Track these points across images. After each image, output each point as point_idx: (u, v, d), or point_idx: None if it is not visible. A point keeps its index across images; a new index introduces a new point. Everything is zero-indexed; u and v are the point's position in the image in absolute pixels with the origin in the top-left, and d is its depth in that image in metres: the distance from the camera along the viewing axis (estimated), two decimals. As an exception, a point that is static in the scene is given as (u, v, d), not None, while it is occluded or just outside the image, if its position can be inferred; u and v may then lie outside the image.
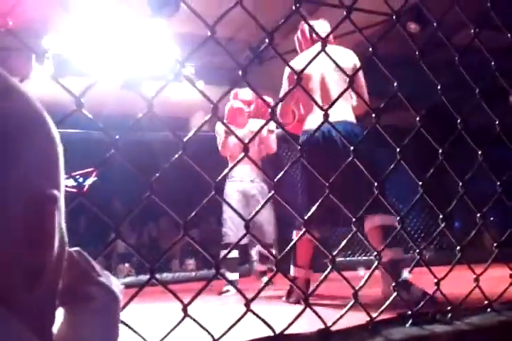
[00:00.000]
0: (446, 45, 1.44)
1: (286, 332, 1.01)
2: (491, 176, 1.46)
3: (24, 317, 0.43)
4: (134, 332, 0.89)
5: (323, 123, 1.08)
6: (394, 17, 1.26)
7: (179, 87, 4.48)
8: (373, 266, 1.15)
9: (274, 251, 4.25)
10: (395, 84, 1.20)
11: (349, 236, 1.11)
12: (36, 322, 0.47)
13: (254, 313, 0.98)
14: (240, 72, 1.00)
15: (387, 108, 1.26)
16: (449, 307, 1.23)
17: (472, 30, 1.40)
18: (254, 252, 4.74)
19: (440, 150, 1.27)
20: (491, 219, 6.05)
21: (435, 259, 4.03)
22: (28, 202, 0.43)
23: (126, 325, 0.86)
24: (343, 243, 1.15)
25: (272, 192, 1.01)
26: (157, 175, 0.94)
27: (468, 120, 1.40)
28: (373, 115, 1.15)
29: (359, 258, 5.42)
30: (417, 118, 1.22)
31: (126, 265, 5.57)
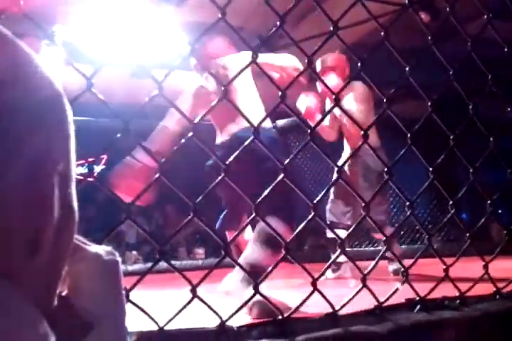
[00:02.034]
0: (456, 38, 1.43)
1: (293, 316, 1.01)
2: (501, 166, 1.45)
3: (27, 289, 0.43)
4: (144, 312, 0.90)
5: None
6: (407, 3, 1.25)
7: (187, 75, 4.48)
8: (380, 253, 1.15)
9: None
10: (407, 69, 1.19)
11: (355, 224, 1.11)
12: (40, 292, 0.47)
13: (262, 296, 0.98)
14: (251, 55, 1.00)
15: (397, 98, 1.25)
16: (457, 294, 1.23)
17: (485, 16, 1.38)
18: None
19: (451, 137, 1.27)
20: (499, 211, 6.03)
21: (442, 250, 4.02)
22: (29, 164, 0.43)
23: (135, 304, 0.87)
24: (350, 230, 1.15)
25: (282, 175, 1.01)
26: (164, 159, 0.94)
27: (480, 110, 1.39)
28: (384, 100, 1.14)
29: (366, 248, 5.42)
30: (429, 104, 1.22)
31: (134, 252, 5.62)
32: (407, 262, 1.25)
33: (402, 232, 5.22)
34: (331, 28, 1.08)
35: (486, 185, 1.43)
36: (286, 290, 2.69)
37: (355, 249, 5.39)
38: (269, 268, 1.05)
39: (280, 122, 5.68)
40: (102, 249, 0.61)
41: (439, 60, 1.32)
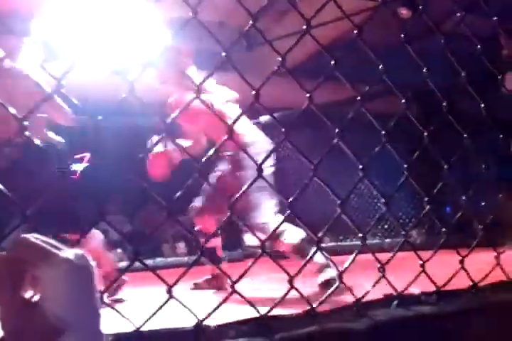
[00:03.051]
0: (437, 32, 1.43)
1: (271, 314, 1.02)
2: (478, 161, 1.47)
3: None
4: (119, 313, 0.90)
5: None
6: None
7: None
8: (356, 250, 1.15)
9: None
10: (380, 67, 1.20)
11: (332, 219, 1.11)
12: None
13: (239, 294, 0.99)
14: (224, 54, 1.00)
15: (375, 94, 1.26)
16: (434, 289, 1.24)
17: (458, 14, 1.39)
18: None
19: (425, 133, 1.28)
20: (482, 204, 6.08)
21: (426, 244, 4.06)
22: None
23: (110, 306, 0.87)
24: (327, 226, 1.16)
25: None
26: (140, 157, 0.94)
27: (458, 107, 1.40)
28: (358, 98, 1.15)
29: (352, 243, 5.45)
30: (402, 101, 1.22)
31: (119, 250, 5.59)
32: (386, 256, 1.26)
33: (386, 226, 5.26)
34: (304, 27, 1.08)
35: (471, 180, 1.45)
36: (268, 284, 2.69)
37: (341, 243, 5.42)
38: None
39: (264, 118, 5.68)
40: (73, 254, 0.61)
41: (422, 54, 1.33)
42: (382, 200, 1.20)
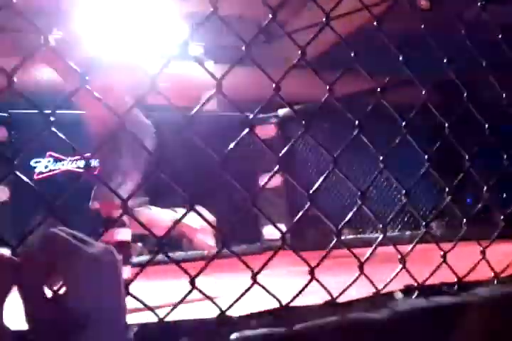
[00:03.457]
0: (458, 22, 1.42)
1: (292, 304, 1.03)
2: (500, 151, 1.46)
3: None
4: (143, 304, 0.92)
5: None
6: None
7: (189, 65, 4.48)
8: (377, 241, 1.16)
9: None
10: (400, 58, 1.19)
11: (353, 210, 1.12)
12: None
13: (260, 285, 1.00)
14: (244, 48, 1.00)
15: (395, 85, 1.26)
16: (455, 279, 1.24)
17: (479, 3, 1.38)
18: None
19: (446, 124, 1.27)
20: (504, 196, 6.01)
21: (446, 236, 4.03)
22: None
23: (135, 297, 0.89)
24: (348, 218, 1.16)
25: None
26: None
27: (480, 97, 1.39)
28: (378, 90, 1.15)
29: (370, 235, 5.43)
30: (423, 92, 1.22)
31: (139, 244, 5.65)
32: (407, 248, 1.27)
33: (406, 218, 5.23)
34: (324, 19, 1.08)
35: (493, 171, 1.44)
36: (288, 278, 2.71)
37: (360, 236, 5.40)
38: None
39: (282, 111, 5.68)
40: (100, 249, 0.62)
41: (445, 45, 1.32)
42: (403, 191, 1.20)
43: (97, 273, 0.60)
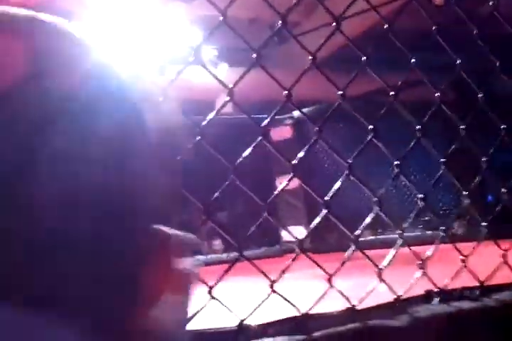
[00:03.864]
0: (474, 17, 1.40)
1: (311, 312, 1.02)
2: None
3: None
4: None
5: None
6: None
7: (201, 69, 4.48)
8: (397, 244, 1.15)
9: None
10: (412, 60, 1.18)
11: (370, 216, 1.11)
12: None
13: (278, 294, 0.99)
14: (255, 55, 1.00)
15: (409, 84, 1.24)
16: (476, 284, 1.22)
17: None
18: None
19: (462, 127, 1.25)
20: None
21: (468, 235, 3.99)
22: None
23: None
24: (366, 221, 1.15)
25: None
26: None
27: (496, 93, 1.37)
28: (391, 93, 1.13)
29: (390, 235, 5.38)
30: (436, 94, 1.20)
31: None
32: (427, 248, 1.25)
33: (427, 218, 5.18)
34: (334, 24, 1.07)
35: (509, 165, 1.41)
36: (306, 281, 2.69)
37: (379, 236, 5.36)
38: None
39: (297, 113, 5.65)
40: (187, 264, 0.57)
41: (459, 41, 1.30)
42: (419, 196, 1.19)
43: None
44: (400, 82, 1.15)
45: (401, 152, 1.24)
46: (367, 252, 1.14)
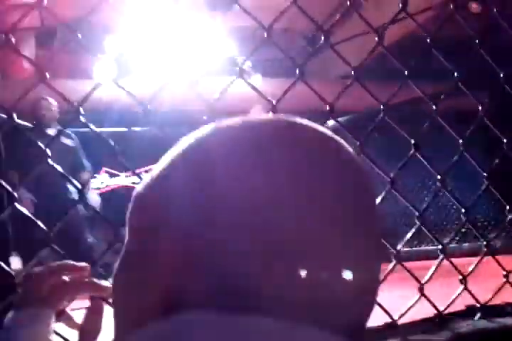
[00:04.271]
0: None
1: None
2: None
3: None
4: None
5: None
6: None
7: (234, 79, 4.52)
8: (439, 259, 1.14)
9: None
10: (455, 74, 1.18)
11: (414, 228, 1.11)
12: None
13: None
14: (297, 71, 1.02)
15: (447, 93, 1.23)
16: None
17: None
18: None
19: (505, 140, 1.24)
20: None
21: (507, 248, 3.91)
22: None
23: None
24: (408, 235, 1.15)
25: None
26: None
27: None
28: (433, 106, 1.13)
29: (427, 247, 5.30)
30: (479, 108, 1.20)
31: None
32: (465, 261, 1.24)
33: (463, 230, 5.08)
34: (376, 39, 1.08)
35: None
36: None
37: (417, 248, 5.27)
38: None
39: (331, 122, 5.63)
40: None
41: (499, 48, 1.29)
42: (462, 210, 1.18)
43: None
44: (442, 96, 1.15)
45: (439, 163, 1.23)
46: (405, 264, 1.14)
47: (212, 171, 0.40)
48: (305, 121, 0.45)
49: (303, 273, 0.37)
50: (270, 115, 0.53)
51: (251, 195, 0.39)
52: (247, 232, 0.38)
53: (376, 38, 1.10)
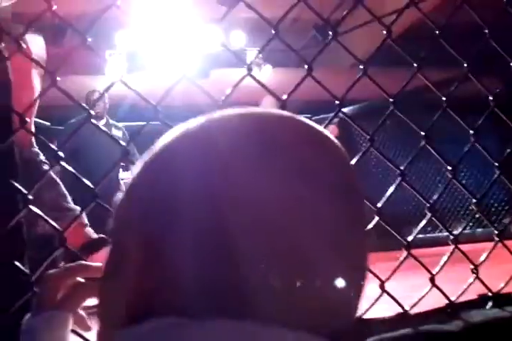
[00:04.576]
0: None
1: (363, 317, 1.04)
2: None
3: None
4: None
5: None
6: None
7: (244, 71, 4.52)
8: (451, 250, 1.15)
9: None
10: (465, 65, 1.17)
11: (426, 218, 1.11)
12: None
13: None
14: (306, 67, 1.02)
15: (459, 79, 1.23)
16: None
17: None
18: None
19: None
20: None
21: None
22: None
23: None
24: (419, 227, 1.16)
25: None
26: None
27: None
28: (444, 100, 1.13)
29: (439, 234, 5.28)
30: (491, 98, 1.20)
31: None
32: (478, 246, 1.24)
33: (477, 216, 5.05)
34: (384, 32, 1.08)
35: None
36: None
37: (430, 235, 5.25)
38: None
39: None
40: None
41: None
42: (473, 200, 1.19)
43: None
44: (452, 88, 1.15)
45: (450, 152, 1.24)
46: (416, 251, 1.14)
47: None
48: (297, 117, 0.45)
49: (278, 280, 0.37)
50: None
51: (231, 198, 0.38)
52: (224, 237, 0.37)
53: (384, 32, 1.10)
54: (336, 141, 0.46)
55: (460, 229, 1.26)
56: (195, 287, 0.37)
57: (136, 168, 0.43)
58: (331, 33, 1.07)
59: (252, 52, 5.42)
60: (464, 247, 1.19)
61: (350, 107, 5.63)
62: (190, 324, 0.35)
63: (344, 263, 0.40)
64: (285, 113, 0.45)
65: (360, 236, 0.43)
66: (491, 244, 1.25)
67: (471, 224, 5.12)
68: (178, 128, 0.44)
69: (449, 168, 1.13)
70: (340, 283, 0.39)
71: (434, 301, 1.15)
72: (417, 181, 4.91)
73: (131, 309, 0.39)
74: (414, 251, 1.12)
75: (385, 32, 1.08)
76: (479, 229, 4.95)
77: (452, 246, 1.15)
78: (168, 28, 4.99)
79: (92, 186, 0.89)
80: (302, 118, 0.46)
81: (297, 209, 0.39)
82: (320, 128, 0.46)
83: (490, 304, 1.13)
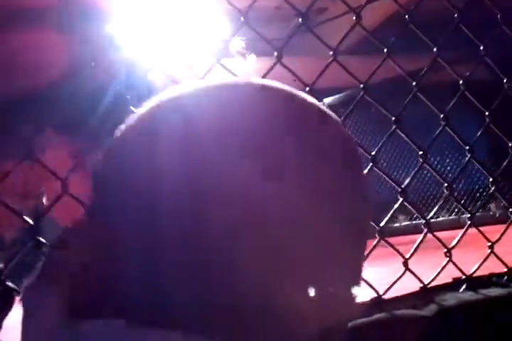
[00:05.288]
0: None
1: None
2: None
3: None
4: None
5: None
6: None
7: (230, 62, 4.50)
8: (423, 233, 1.16)
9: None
10: (435, 49, 1.18)
11: (394, 208, 1.12)
12: None
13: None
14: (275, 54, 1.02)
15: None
16: (505, 269, 1.23)
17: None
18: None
19: (486, 113, 1.25)
20: None
21: (506, 217, 3.91)
22: None
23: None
24: (392, 212, 1.17)
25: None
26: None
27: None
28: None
29: (419, 221, 5.32)
30: (460, 82, 1.20)
31: None
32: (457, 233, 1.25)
33: (462, 201, 5.10)
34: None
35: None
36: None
37: (415, 221, 5.31)
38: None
39: (327, 100, 5.63)
40: None
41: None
42: (445, 185, 1.20)
43: None
44: (423, 71, 1.15)
45: (426, 136, 1.24)
46: (399, 239, 1.16)
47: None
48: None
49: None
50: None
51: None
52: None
53: (354, 17, 1.10)
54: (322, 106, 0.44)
55: (431, 214, 1.27)
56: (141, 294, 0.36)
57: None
58: (300, 19, 1.06)
59: (236, 41, 5.35)
60: (448, 233, 1.20)
61: (336, 96, 5.65)
62: (125, 330, 0.34)
63: (344, 266, 0.40)
64: (256, 81, 0.43)
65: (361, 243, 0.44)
66: (474, 229, 1.27)
67: (456, 210, 5.18)
68: (151, 101, 0.42)
69: (420, 152, 1.14)
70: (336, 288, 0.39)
71: (412, 287, 1.16)
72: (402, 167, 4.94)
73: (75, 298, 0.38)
74: (395, 239, 1.14)
75: (354, 18, 1.08)
76: (464, 216, 4.99)
77: (424, 232, 1.16)
78: (152, 19, 4.94)
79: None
80: (275, 84, 0.43)
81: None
82: (305, 96, 0.44)
83: (463, 287, 1.14)
